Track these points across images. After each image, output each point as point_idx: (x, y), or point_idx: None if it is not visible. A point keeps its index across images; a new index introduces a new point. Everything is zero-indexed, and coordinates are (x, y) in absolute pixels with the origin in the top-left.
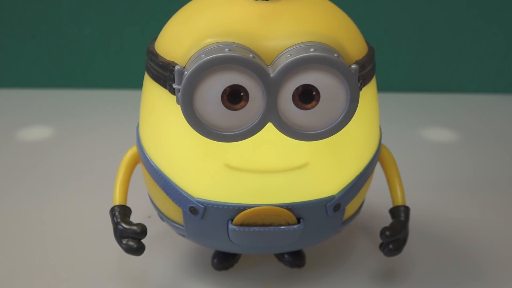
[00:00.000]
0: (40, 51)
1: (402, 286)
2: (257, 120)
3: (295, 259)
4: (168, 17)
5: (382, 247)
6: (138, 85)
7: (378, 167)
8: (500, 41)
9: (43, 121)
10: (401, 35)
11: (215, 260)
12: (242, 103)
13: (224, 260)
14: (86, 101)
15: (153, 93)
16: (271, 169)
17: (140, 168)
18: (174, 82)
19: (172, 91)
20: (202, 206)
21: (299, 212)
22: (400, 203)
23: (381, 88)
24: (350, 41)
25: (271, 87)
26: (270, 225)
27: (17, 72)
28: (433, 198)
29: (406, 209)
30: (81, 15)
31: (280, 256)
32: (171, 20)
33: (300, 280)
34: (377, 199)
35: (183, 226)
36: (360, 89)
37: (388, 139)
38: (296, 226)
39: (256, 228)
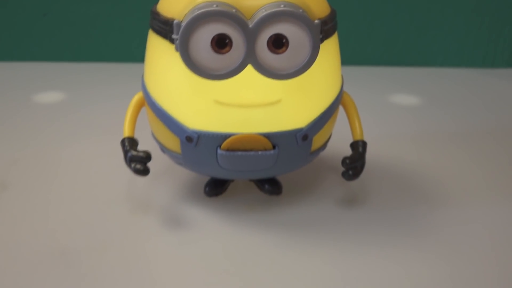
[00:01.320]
0: (51, 28)
1: (361, 210)
2: (239, 62)
3: (273, 188)
4: None
5: (343, 173)
6: (138, 59)
7: (347, 134)
8: (462, 21)
9: (55, 88)
10: (374, 15)
11: (207, 189)
12: (227, 48)
13: (214, 188)
14: (91, 73)
15: (156, 45)
16: (251, 104)
17: (142, 131)
18: (173, 34)
19: (172, 41)
20: (196, 135)
21: (274, 140)
22: (358, 138)
23: (356, 62)
24: (315, 2)
25: (250, 35)
26: (251, 150)
27: (31, 47)
28: (395, 147)
29: (364, 143)
30: None
31: (261, 186)
32: None
33: (277, 205)
34: (345, 148)
35: (180, 154)
36: (322, 41)
37: (361, 103)
38: (272, 151)
39: (240, 153)
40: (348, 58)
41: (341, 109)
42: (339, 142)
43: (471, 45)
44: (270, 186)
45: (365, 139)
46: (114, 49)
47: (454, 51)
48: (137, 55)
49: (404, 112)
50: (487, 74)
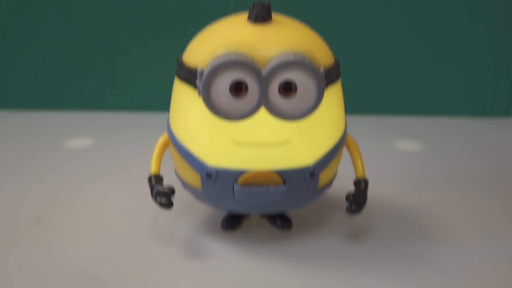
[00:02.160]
0: (81, 79)
1: (364, 244)
2: (254, 105)
3: (284, 223)
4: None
5: (347, 208)
6: (160, 108)
7: (352, 175)
8: (462, 74)
9: (84, 134)
10: (377, 67)
11: (224, 223)
12: (243, 93)
13: (231, 223)
14: (117, 120)
15: (181, 90)
16: (264, 143)
17: (164, 173)
18: (196, 80)
19: (195, 86)
20: (215, 171)
21: (284, 176)
22: (361, 177)
23: (360, 111)
24: (320, 53)
25: (263, 82)
26: (264, 185)
27: (63, 97)
28: (396, 188)
29: (366, 181)
30: (114, 50)
31: (272, 221)
32: (192, 41)
33: (288, 239)
34: (350, 188)
35: (200, 189)
36: (326, 86)
37: (365, 149)
38: (282, 187)
39: (254, 188)
40: (353, 107)
41: (345, 155)
42: (344, 183)
43: (471, 96)
44: (281, 222)
45: (368, 180)
46: (138, 99)
47: (455, 101)
48: (159, 104)
49: (406, 158)
50: (485, 123)
